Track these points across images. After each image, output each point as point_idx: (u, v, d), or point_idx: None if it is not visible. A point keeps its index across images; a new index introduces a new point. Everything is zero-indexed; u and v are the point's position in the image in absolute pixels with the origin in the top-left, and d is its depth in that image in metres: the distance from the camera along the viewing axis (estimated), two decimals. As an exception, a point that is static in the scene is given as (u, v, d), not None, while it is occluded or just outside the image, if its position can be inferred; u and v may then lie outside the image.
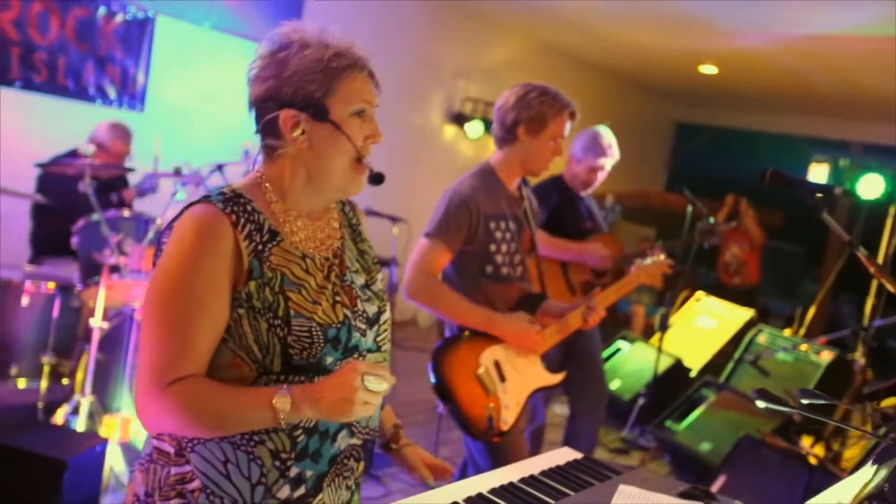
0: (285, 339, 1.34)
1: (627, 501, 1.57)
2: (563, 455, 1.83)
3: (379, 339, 1.51)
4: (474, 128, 7.69)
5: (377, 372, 1.28)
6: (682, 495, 1.64)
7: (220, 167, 4.37)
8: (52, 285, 3.73)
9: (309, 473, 1.40)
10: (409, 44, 7.37)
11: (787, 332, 6.12)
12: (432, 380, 2.57)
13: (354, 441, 1.47)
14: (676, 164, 11.69)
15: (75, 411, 3.41)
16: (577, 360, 3.67)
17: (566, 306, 2.81)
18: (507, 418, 2.60)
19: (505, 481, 1.60)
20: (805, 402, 1.35)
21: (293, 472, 1.37)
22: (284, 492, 1.37)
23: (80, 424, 3.35)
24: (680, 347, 5.77)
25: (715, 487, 3.59)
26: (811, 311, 6.15)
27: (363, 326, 1.46)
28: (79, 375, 3.55)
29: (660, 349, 5.15)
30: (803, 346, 5.03)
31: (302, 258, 1.41)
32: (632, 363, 5.66)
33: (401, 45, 7.23)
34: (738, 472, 3.59)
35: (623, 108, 10.43)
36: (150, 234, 3.70)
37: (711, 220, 4.28)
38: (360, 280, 1.51)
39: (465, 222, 2.58)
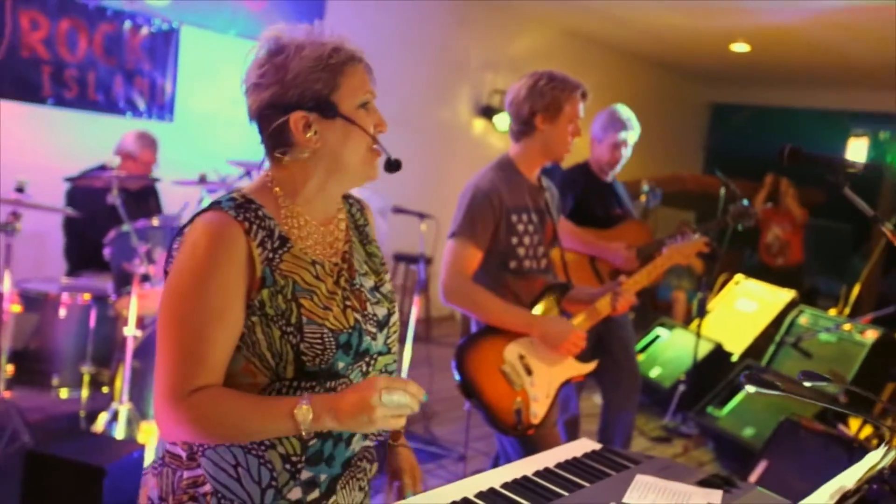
0: (298, 347, 1.33)
1: (642, 491, 1.54)
2: (582, 446, 1.81)
3: (389, 340, 1.50)
4: (503, 120, 7.64)
5: (397, 386, 1.28)
6: (701, 483, 1.61)
7: (248, 173, 4.41)
8: (87, 296, 3.81)
9: (322, 477, 1.40)
10: (433, 40, 7.36)
11: (832, 311, 5.97)
12: (456, 378, 2.56)
13: (368, 443, 1.48)
14: (713, 146, 11.48)
15: (114, 419, 3.48)
16: (608, 348, 3.64)
17: (594, 292, 2.78)
18: (537, 411, 2.58)
19: (518, 475, 1.59)
20: (808, 384, 1.31)
21: (304, 475, 1.37)
22: (295, 493, 1.37)
23: (118, 431, 3.42)
24: (720, 332, 5.67)
25: (756, 473, 3.52)
26: (856, 289, 5.98)
27: (374, 330, 1.45)
28: (117, 384, 3.62)
29: (698, 334, 5.07)
30: (846, 326, 4.90)
31: (311, 264, 1.40)
32: (671, 350, 5.58)
33: (425, 42, 7.23)
34: (778, 457, 3.51)
35: (656, 93, 10.28)
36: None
37: (746, 201, 4.19)
38: (368, 283, 1.51)
39: (490, 217, 2.56)
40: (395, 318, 1.54)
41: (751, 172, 7.38)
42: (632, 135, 3.70)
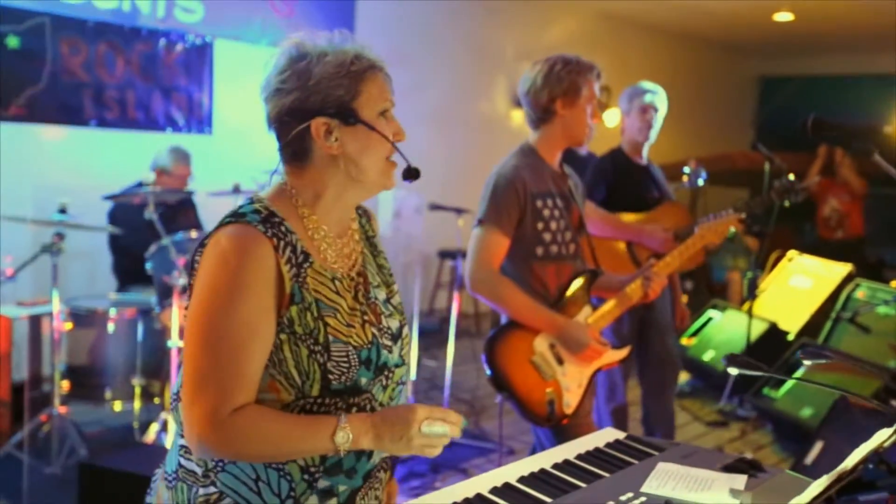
0: (325, 366, 1.33)
1: (662, 479, 1.50)
2: (605, 436, 1.77)
3: (403, 352, 1.49)
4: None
5: (437, 416, 1.29)
6: (726, 468, 1.56)
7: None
8: (133, 311, 3.92)
9: (342, 488, 1.39)
10: (467, 34, 7.33)
11: (894, 283, 5.75)
12: (487, 372, 2.54)
13: (385, 454, 1.47)
14: (764, 121, 11.17)
15: (164, 429, 3.57)
16: (645, 335, 3.57)
17: (624, 278, 2.73)
18: (570, 401, 2.54)
19: (536, 468, 1.57)
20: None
21: (322, 484, 1.37)
22: (312, 501, 1.37)
23: (168, 441, 3.50)
24: (775, 311, 5.51)
25: (812, 454, 3.42)
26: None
27: (389, 343, 1.44)
28: (166, 394, 3.71)
29: (750, 314, 4.92)
30: (906, 298, 4.72)
31: (332, 280, 1.39)
32: (724, 332, 5.45)
33: (458, 37, 7.20)
34: (834, 437, 3.39)
35: (700, 70, 10.06)
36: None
37: (791, 176, 4.06)
38: (381, 295, 1.49)
39: (514, 204, 2.53)
40: (407, 330, 1.53)
41: (804, 145, 7.16)
42: (658, 98, 3.62)
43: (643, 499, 1.42)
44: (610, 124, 7.02)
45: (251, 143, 5.57)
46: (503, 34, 7.67)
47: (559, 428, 2.56)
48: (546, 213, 2.58)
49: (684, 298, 7.22)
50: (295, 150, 1.39)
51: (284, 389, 1.34)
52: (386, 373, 1.43)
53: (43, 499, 3.38)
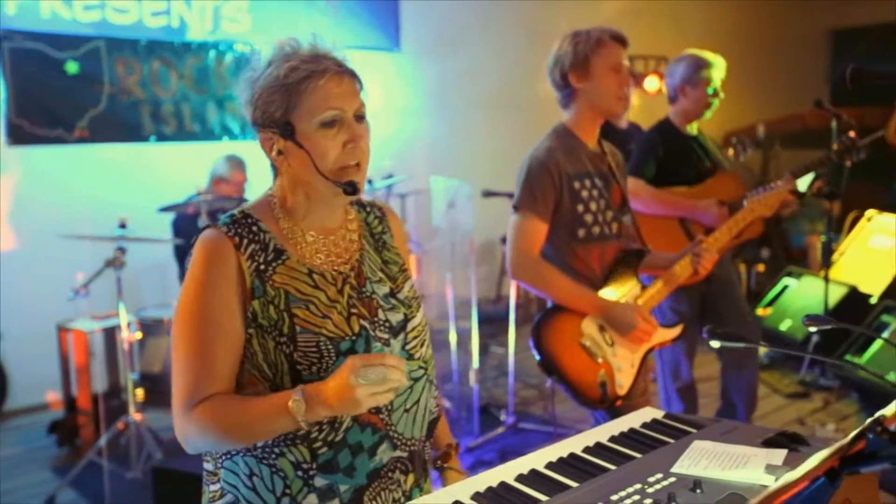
0: (292, 356, 1.35)
1: (695, 458, 1.44)
2: (642, 416, 1.71)
3: (408, 346, 1.48)
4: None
5: (373, 362, 1.25)
6: (766, 443, 1.48)
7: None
8: (198, 317, 4.02)
9: (343, 488, 1.39)
10: (518, 18, 7.22)
11: None
12: (536, 357, 2.50)
13: (399, 454, 1.45)
14: (840, 77, 10.63)
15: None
16: (716, 309, 3.45)
17: (673, 256, 2.65)
18: (623, 382, 2.48)
19: (566, 453, 1.52)
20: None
21: (319, 482, 1.38)
22: (311, 500, 1.37)
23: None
24: (855, 274, 5.26)
25: None
26: None
27: (385, 336, 1.44)
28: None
29: (826, 279, 4.71)
30: None
31: (309, 274, 1.41)
32: (801, 299, 5.23)
33: (508, 21, 7.10)
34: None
35: (763, 29, 9.66)
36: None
37: (852, 133, 3.84)
38: (382, 289, 1.49)
39: (549, 187, 2.48)
40: (416, 322, 1.51)
41: (887, 97, 6.78)
42: (720, 72, 3.47)
43: (672, 479, 1.36)
44: (650, 89, 6.80)
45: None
46: (555, 13, 7.52)
47: (614, 410, 2.50)
48: (584, 193, 2.52)
49: (761, 267, 7.00)
50: (268, 159, 1.45)
51: (260, 383, 1.38)
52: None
53: (123, 502, 3.53)
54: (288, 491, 1.37)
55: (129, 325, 3.80)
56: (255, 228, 1.41)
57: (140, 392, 3.93)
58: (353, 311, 1.42)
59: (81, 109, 4.91)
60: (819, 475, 0.83)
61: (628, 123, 4.79)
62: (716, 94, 3.45)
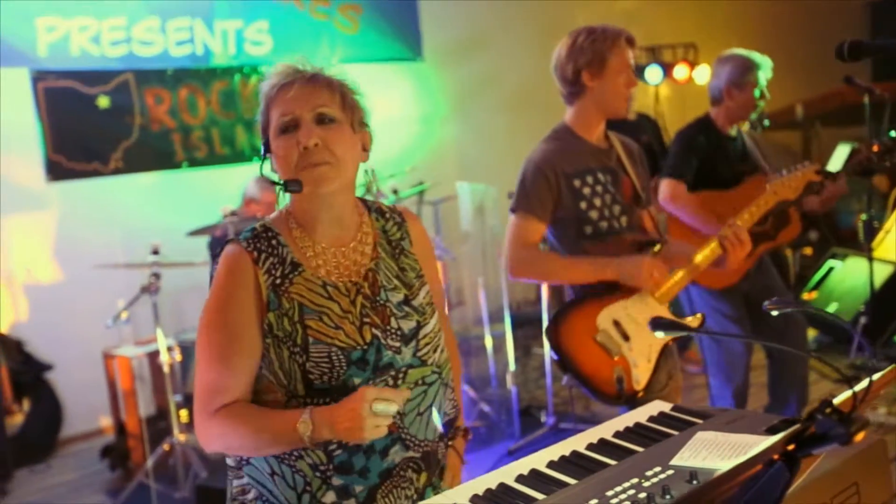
0: (304, 366, 1.40)
1: (696, 450, 1.42)
2: (648, 410, 1.69)
3: (420, 353, 1.50)
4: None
5: (386, 396, 1.30)
6: (770, 430, 1.45)
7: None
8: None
9: (359, 488, 1.43)
10: (535, 18, 7.20)
11: None
12: (553, 356, 2.50)
13: (411, 454, 1.48)
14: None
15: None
16: (757, 302, 3.36)
17: (692, 247, 2.61)
18: (639, 377, 2.45)
19: (568, 451, 1.52)
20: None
21: (336, 481, 1.42)
22: (330, 497, 1.42)
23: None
24: (902, 251, 5.10)
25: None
26: None
27: (396, 343, 1.47)
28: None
29: (870, 258, 4.56)
30: None
31: (323, 286, 1.45)
32: (847, 280, 5.10)
33: (524, 18, 7.06)
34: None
35: (795, 4, 9.43)
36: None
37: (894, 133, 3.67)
38: (397, 297, 1.51)
39: (545, 189, 2.49)
40: (429, 329, 1.52)
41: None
42: (766, 73, 3.39)
43: (670, 472, 1.34)
44: (700, 82, 6.70)
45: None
46: (573, 8, 7.48)
47: (636, 405, 2.47)
48: (587, 191, 2.51)
49: (808, 250, 6.82)
50: None
51: (277, 390, 1.43)
52: (393, 373, 1.45)
53: (172, 522, 3.62)
54: (308, 488, 1.42)
55: (168, 348, 3.89)
56: (273, 242, 1.46)
57: (184, 413, 4.02)
58: (366, 320, 1.45)
59: (115, 141, 5.05)
60: (772, 459, 0.82)
61: (637, 115, 4.72)
62: (762, 96, 3.37)
